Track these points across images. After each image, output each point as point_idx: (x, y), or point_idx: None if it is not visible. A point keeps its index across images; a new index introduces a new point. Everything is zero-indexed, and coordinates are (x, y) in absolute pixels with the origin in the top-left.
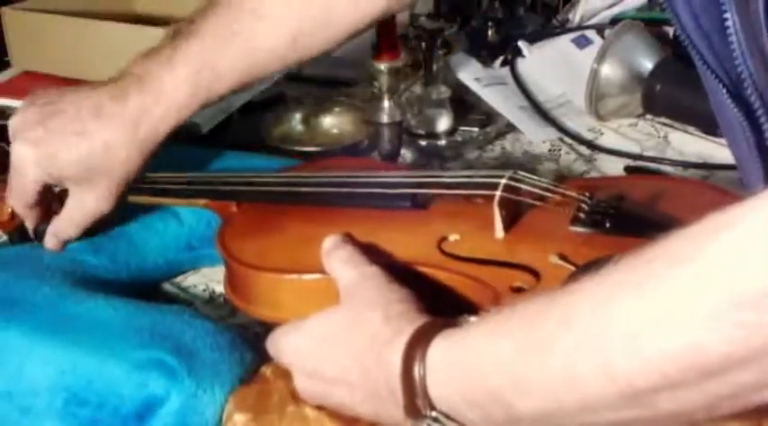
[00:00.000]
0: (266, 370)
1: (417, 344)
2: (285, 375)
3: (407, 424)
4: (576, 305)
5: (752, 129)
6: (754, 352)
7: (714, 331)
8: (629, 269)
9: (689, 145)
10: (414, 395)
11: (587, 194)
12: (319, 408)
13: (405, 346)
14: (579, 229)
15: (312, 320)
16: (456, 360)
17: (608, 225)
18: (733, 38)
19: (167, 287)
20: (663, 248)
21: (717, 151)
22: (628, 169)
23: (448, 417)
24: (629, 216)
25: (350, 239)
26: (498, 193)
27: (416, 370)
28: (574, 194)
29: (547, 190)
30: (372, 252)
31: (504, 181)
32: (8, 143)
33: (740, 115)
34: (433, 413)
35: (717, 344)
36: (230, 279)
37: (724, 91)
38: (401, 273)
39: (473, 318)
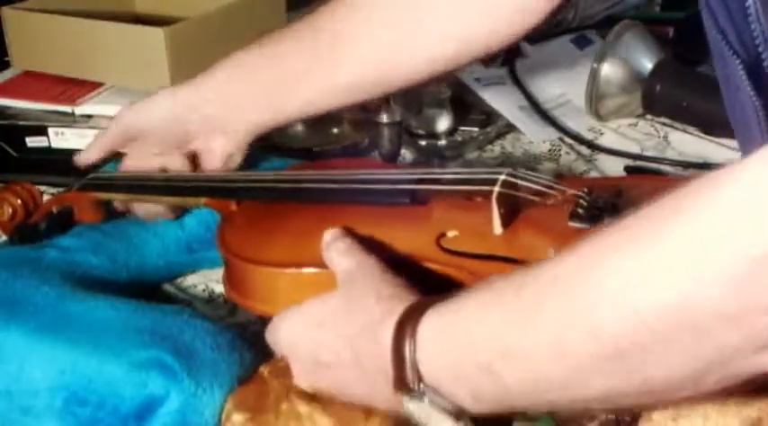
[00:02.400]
0: (264, 370)
1: (408, 320)
2: (281, 374)
3: (397, 400)
4: (563, 266)
5: (766, 113)
6: (742, 310)
7: (704, 286)
8: (621, 227)
9: (689, 145)
10: (403, 371)
11: (585, 190)
12: (311, 398)
13: (395, 323)
14: (578, 224)
15: (307, 305)
16: (446, 334)
17: (606, 220)
18: (750, 2)
19: (167, 287)
20: (656, 206)
21: (717, 151)
22: (628, 169)
23: (437, 393)
24: (626, 211)
25: (349, 233)
26: (496, 189)
27: (407, 346)
28: (572, 190)
29: (545, 186)
30: (372, 246)
31: (502, 177)
32: (7, 142)
33: (755, 96)
34: (422, 387)
35: (705, 300)
36: (229, 276)
37: (740, 67)
38: (400, 267)
39: (465, 293)
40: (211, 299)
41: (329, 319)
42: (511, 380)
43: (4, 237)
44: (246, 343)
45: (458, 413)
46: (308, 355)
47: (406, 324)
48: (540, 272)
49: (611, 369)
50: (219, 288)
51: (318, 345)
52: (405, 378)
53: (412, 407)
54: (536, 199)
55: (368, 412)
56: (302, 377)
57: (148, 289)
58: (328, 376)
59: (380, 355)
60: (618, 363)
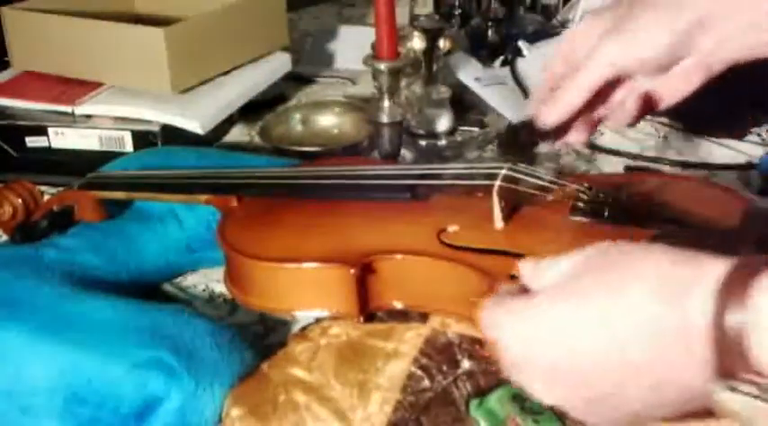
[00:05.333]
0: (264, 365)
1: (733, 285)
2: (278, 364)
3: (704, 392)
4: None
5: None
6: None
7: None
8: None
9: (689, 145)
10: (728, 353)
11: (586, 185)
12: (309, 389)
13: (715, 290)
14: (578, 218)
15: (539, 297)
16: None
17: (606, 214)
18: None
19: (167, 287)
20: None
21: (717, 151)
22: (627, 169)
23: None
24: (627, 205)
25: None
26: (497, 183)
27: (735, 318)
28: (573, 185)
29: (546, 181)
30: None
31: (503, 171)
32: (7, 142)
33: None
34: (758, 379)
35: None
36: (230, 272)
37: None
38: None
39: None
40: (211, 299)
41: (582, 307)
42: None
43: (5, 237)
44: (246, 343)
45: None
46: (552, 366)
47: (733, 290)
48: None
49: None
50: (219, 288)
51: (571, 349)
52: (729, 363)
53: (732, 402)
54: (537, 193)
55: (366, 400)
56: (546, 393)
57: (148, 289)
58: (589, 384)
59: (685, 334)
60: None
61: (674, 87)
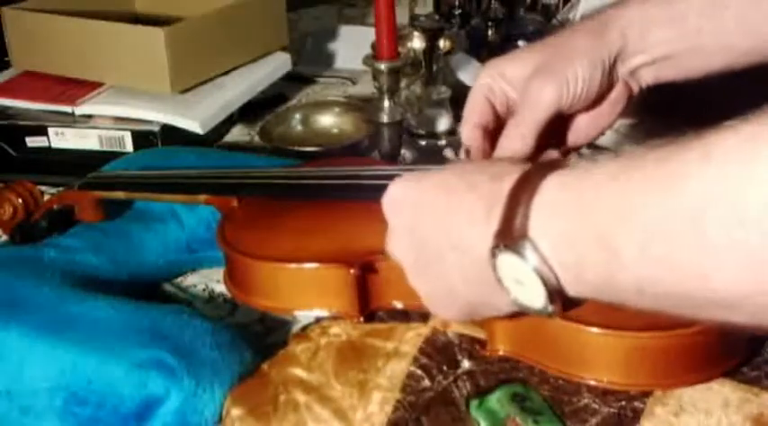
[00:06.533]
0: (264, 366)
1: (533, 174)
2: (278, 364)
3: (489, 259)
4: (719, 145)
5: None
6: None
7: None
8: None
9: None
10: (513, 219)
11: None
12: (310, 389)
13: (519, 175)
14: None
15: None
16: (569, 195)
17: None
18: None
19: (167, 287)
20: None
21: None
22: None
23: (541, 256)
24: None
25: None
26: None
27: (525, 194)
28: None
29: None
30: None
31: None
32: (7, 142)
33: None
34: (526, 242)
35: None
36: (231, 272)
37: None
38: None
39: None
40: (211, 299)
41: (440, 180)
42: (628, 257)
43: (4, 237)
44: (246, 343)
45: (553, 289)
46: (411, 226)
47: (531, 177)
48: (686, 149)
49: (753, 261)
50: (219, 288)
51: (424, 216)
52: (512, 227)
53: (506, 264)
54: None
55: (366, 400)
56: (395, 242)
57: (148, 289)
58: (423, 224)
59: (493, 205)
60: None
61: (607, 115)
